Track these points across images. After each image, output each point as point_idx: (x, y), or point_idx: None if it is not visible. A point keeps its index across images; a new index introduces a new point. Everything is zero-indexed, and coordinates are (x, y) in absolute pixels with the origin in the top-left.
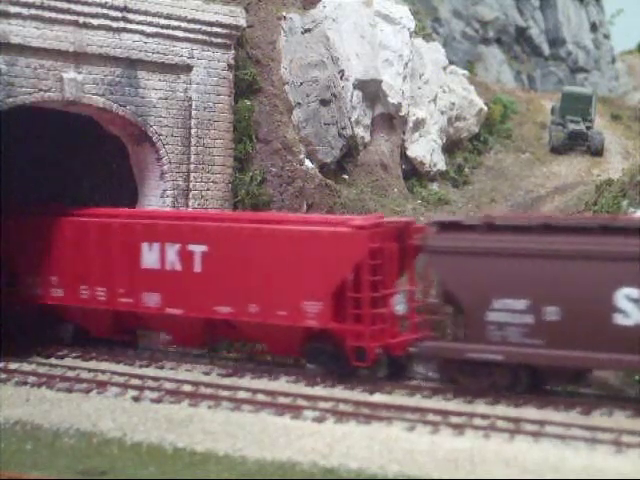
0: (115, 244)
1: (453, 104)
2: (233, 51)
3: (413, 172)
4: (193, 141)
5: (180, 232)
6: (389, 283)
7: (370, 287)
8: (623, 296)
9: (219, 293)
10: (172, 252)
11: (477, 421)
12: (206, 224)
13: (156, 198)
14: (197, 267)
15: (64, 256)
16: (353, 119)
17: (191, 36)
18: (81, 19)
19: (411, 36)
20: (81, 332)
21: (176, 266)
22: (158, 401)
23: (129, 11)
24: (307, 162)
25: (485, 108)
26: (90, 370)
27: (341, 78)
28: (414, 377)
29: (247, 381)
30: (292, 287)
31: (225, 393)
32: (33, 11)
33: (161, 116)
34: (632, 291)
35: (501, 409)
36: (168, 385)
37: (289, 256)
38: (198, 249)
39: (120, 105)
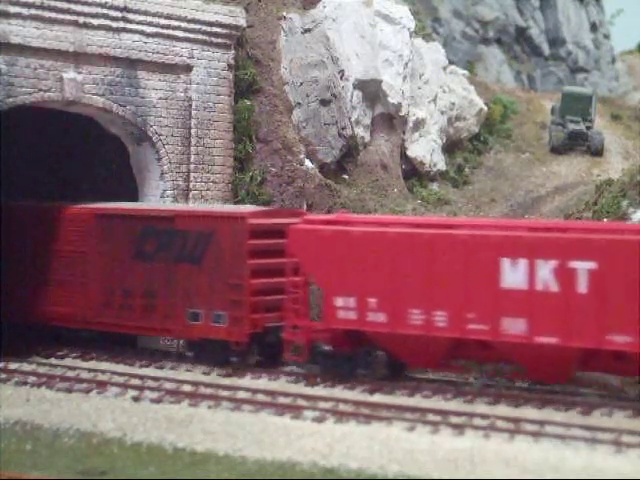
0: (462, 260)
1: (453, 104)
2: (233, 51)
3: (413, 172)
4: (193, 141)
5: (557, 246)
6: None
7: None
8: None
9: (614, 320)
10: (545, 270)
11: (477, 421)
12: (594, 236)
13: (156, 198)
14: (582, 288)
15: (388, 274)
16: (353, 119)
17: (191, 36)
18: (81, 19)
19: (411, 36)
20: (395, 363)
21: (551, 286)
22: (158, 401)
23: (129, 11)
24: (307, 162)
25: (485, 108)
26: (90, 370)
27: (341, 78)
28: None
29: (247, 381)
30: None
31: (225, 393)
32: (33, 11)
33: (161, 116)
34: None
35: (501, 409)
36: (168, 385)
37: None
38: (584, 266)
39: (120, 105)
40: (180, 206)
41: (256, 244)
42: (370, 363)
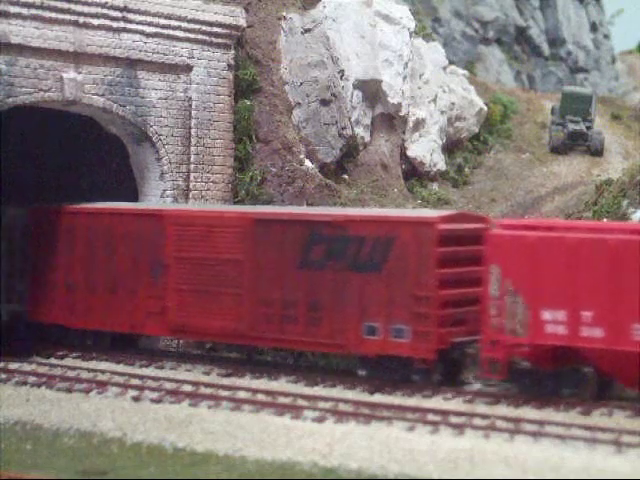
0: None
1: (453, 104)
2: (233, 51)
3: (413, 172)
4: (193, 141)
5: None
6: None
7: None
8: None
9: None
10: None
11: (477, 421)
12: None
13: (156, 198)
14: None
15: (608, 285)
16: (353, 119)
17: (191, 36)
18: (81, 19)
19: (411, 36)
20: (604, 382)
21: None
22: (158, 401)
23: (129, 11)
24: (307, 162)
25: (485, 108)
26: (90, 370)
27: (341, 78)
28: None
29: (247, 381)
30: None
31: (225, 393)
32: (33, 11)
33: (161, 116)
34: None
35: (501, 409)
36: (168, 385)
37: None
38: None
39: (120, 105)
40: (353, 210)
41: (445, 252)
42: (578, 382)
